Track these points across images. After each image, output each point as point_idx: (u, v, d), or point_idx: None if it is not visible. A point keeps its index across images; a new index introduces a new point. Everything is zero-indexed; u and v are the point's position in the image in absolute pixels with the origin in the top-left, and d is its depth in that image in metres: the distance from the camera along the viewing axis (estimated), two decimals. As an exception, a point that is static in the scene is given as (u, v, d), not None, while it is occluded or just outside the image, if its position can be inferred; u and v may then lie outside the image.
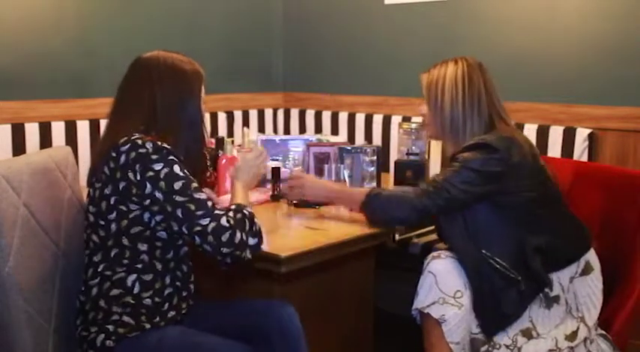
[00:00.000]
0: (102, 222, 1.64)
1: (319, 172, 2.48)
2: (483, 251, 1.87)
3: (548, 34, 2.80)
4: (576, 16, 2.73)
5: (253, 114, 3.66)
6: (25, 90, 2.82)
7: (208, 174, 2.28)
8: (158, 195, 1.57)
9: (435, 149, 2.95)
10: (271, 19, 3.75)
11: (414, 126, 2.44)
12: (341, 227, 2.01)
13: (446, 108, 1.96)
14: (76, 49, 2.95)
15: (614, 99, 2.66)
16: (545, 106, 2.82)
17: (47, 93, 2.88)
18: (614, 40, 2.64)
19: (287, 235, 2.01)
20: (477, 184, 1.86)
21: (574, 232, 1.96)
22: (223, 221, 1.58)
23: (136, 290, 1.63)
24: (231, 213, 1.62)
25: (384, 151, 3.15)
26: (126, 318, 1.60)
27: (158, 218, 1.60)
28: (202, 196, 1.60)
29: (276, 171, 2.34)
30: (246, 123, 3.58)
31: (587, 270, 1.93)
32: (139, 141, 1.59)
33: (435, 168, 2.96)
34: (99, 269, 1.64)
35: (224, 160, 2.32)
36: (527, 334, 1.86)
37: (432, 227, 2.39)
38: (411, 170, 2.36)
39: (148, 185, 1.57)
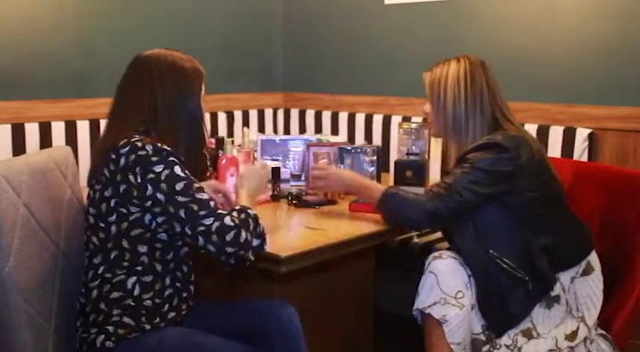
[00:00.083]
0: (102, 225, 1.63)
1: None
2: (491, 251, 1.87)
3: (548, 34, 2.80)
4: (576, 16, 2.73)
5: (253, 114, 3.66)
6: (25, 90, 2.82)
7: (208, 174, 2.28)
8: (160, 196, 1.56)
9: (435, 149, 2.95)
10: (271, 19, 3.75)
11: (414, 126, 2.44)
12: (341, 227, 2.01)
13: (448, 107, 1.96)
14: (76, 49, 2.95)
15: (614, 99, 2.66)
16: (545, 106, 2.82)
17: (47, 93, 2.88)
18: (614, 40, 2.64)
19: (287, 235, 2.01)
20: (488, 184, 1.86)
21: (577, 232, 1.96)
22: (227, 220, 1.58)
23: (136, 292, 1.62)
24: (235, 213, 1.62)
25: (384, 151, 3.15)
26: (126, 319, 1.60)
27: (160, 219, 1.60)
28: (205, 196, 1.60)
29: (276, 171, 2.34)
30: (246, 123, 3.58)
31: (587, 271, 1.93)
32: (139, 144, 1.59)
33: (435, 168, 2.96)
34: (99, 272, 1.64)
35: (224, 160, 2.32)
36: (528, 334, 1.86)
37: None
38: (411, 170, 2.36)
39: (149, 187, 1.56)
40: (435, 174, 2.93)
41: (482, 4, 2.98)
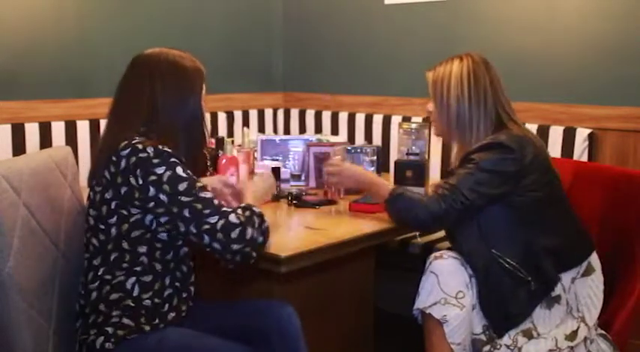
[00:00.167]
0: (102, 226, 1.63)
1: (319, 172, 2.48)
2: (493, 250, 1.87)
3: (548, 34, 2.80)
4: (576, 16, 2.73)
5: (253, 114, 3.66)
6: (25, 90, 2.82)
7: (208, 174, 2.28)
8: (162, 197, 1.56)
9: (435, 149, 2.95)
10: (271, 19, 3.75)
11: (414, 126, 2.44)
12: (341, 227, 2.01)
13: (452, 105, 1.96)
14: (76, 49, 2.95)
15: (614, 99, 2.66)
16: (545, 106, 2.82)
17: (47, 93, 2.88)
18: (614, 40, 2.64)
19: (287, 235, 2.01)
20: (493, 185, 1.85)
21: (579, 233, 1.96)
22: (232, 218, 1.58)
23: (135, 292, 1.62)
24: (239, 211, 1.62)
25: (384, 151, 3.15)
26: (125, 320, 1.60)
27: (163, 219, 1.59)
28: (208, 195, 1.60)
29: (276, 171, 2.34)
30: (246, 123, 3.58)
31: (588, 271, 1.93)
32: (139, 146, 1.58)
33: (435, 168, 2.96)
34: (99, 273, 1.64)
35: (224, 160, 2.32)
36: (528, 334, 1.85)
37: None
38: (411, 170, 2.35)
39: (151, 188, 1.56)
40: (435, 174, 2.93)
41: (482, 4, 2.98)
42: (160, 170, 1.56)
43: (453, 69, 1.97)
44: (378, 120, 3.32)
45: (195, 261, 1.77)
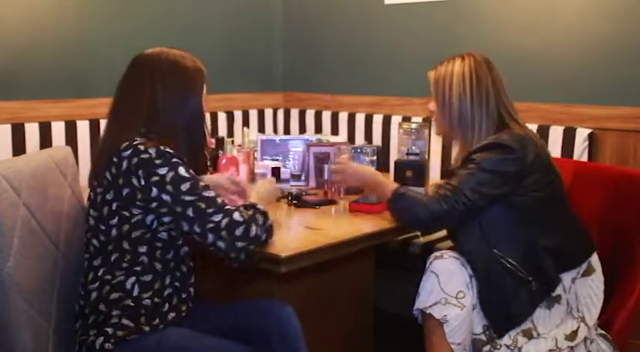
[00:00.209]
0: (102, 227, 1.63)
1: (319, 172, 2.48)
2: (495, 250, 1.87)
3: (548, 34, 2.80)
4: (576, 16, 2.73)
5: (253, 114, 3.66)
6: (25, 90, 2.82)
7: (208, 174, 2.28)
8: (165, 197, 1.56)
9: (435, 149, 2.95)
10: (271, 19, 3.75)
11: (414, 126, 2.44)
12: (341, 227, 2.01)
13: (454, 104, 1.96)
14: (76, 49, 2.95)
15: (614, 99, 2.66)
16: (545, 106, 2.82)
17: (47, 93, 2.88)
18: (614, 40, 2.64)
19: (287, 235, 2.01)
20: (494, 185, 1.85)
21: (580, 233, 1.96)
22: (236, 216, 1.58)
23: (135, 292, 1.62)
24: (243, 209, 1.63)
25: (384, 151, 3.16)
26: (125, 321, 1.60)
27: (166, 219, 1.59)
28: (211, 194, 1.60)
29: (276, 171, 2.34)
30: (246, 123, 3.57)
31: (588, 271, 1.93)
32: (141, 147, 1.58)
33: (435, 168, 2.96)
34: (99, 274, 1.64)
35: (224, 160, 2.32)
36: (528, 334, 1.85)
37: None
38: (411, 170, 2.35)
39: (154, 189, 1.56)
40: (435, 174, 2.93)
41: (482, 4, 2.98)
42: (162, 171, 1.56)
43: (455, 68, 1.97)
44: (378, 120, 3.32)
45: (195, 262, 1.77)
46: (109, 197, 1.61)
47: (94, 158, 1.74)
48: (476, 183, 1.85)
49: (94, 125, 2.93)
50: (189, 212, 1.56)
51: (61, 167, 1.78)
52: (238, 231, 1.57)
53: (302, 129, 3.68)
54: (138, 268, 1.63)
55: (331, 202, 2.29)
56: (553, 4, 2.78)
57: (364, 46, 3.43)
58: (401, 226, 2.04)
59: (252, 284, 2.00)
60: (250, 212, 1.63)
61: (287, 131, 3.75)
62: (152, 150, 1.57)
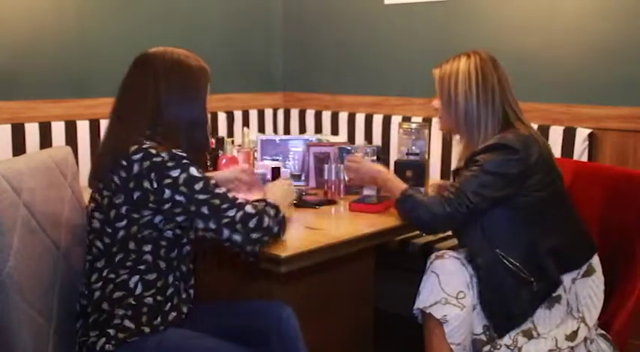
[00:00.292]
0: (109, 230, 1.63)
1: (319, 172, 2.48)
2: (497, 250, 1.87)
3: (548, 34, 2.80)
4: (576, 16, 2.73)
5: (253, 114, 3.66)
6: (25, 90, 2.82)
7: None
8: (179, 198, 1.57)
9: (435, 149, 2.95)
10: (271, 19, 3.75)
11: (414, 126, 2.44)
12: (341, 227, 2.01)
13: (460, 102, 1.95)
14: (76, 49, 2.95)
15: (614, 99, 2.66)
16: (545, 106, 2.82)
17: (47, 93, 2.88)
18: (614, 40, 2.64)
19: (287, 235, 2.00)
20: (497, 188, 1.85)
21: (581, 234, 1.96)
22: (248, 208, 1.60)
23: (138, 290, 1.62)
24: (254, 202, 1.65)
25: (384, 151, 3.16)
26: (127, 323, 1.60)
27: (180, 219, 1.60)
28: (223, 190, 1.62)
29: (276, 171, 2.34)
30: (246, 123, 3.58)
31: (589, 272, 1.93)
32: (153, 151, 1.58)
33: (435, 168, 2.96)
34: (103, 274, 1.64)
35: (224, 160, 2.32)
36: (528, 334, 1.85)
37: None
38: (411, 170, 2.35)
39: (167, 191, 1.57)
40: (435, 174, 2.93)
41: (482, 4, 2.98)
42: (175, 173, 1.57)
43: (461, 66, 1.97)
44: (378, 120, 3.32)
45: (195, 264, 1.78)
46: (117, 201, 1.61)
47: (95, 158, 1.74)
48: (478, 186, 1.85)
49: (94, 125, 2.94)
50: (204, 209, 1.57)
51: (61, 167, 1.78)
52: (252, 223, 1.58)
53: (302, 129, 3.68)
54: (142, 267, 1.63)
55: (331, 202, 2.29)
56: (553, 4, 2.78)
57: (364, 46, 3.43)
58: (401, 226, 2.04)
59: (252, 284, 2.00)
60: (262, 204, 1.65)
61: (287, 131, 3.75)
62: (164, 154, 1.58)
